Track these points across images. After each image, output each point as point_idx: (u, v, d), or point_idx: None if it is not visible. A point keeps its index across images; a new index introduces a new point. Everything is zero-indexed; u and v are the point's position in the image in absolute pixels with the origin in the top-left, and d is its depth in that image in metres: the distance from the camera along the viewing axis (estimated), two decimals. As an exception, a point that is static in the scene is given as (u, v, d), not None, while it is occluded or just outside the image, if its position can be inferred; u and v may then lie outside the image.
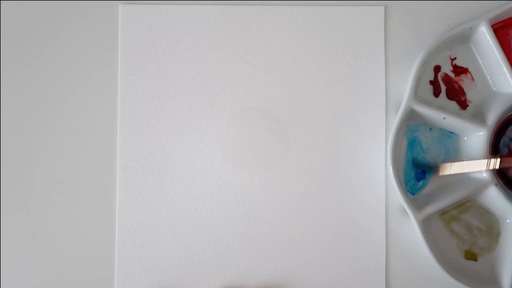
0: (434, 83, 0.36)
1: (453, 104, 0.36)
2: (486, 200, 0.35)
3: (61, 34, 0.36)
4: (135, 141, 0.35)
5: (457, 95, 0.36)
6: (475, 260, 0.35)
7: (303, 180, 0.35)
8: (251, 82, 0.36)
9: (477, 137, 0.34)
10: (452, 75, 0.36)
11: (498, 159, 0.34)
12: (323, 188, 0.35)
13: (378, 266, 0.35)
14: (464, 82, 0.36)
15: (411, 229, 0.34)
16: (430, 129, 0.36)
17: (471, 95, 0.36)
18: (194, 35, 0.36)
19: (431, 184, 0.36)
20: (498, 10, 0.34)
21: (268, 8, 0.36)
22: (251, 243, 0.35)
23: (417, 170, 0.36)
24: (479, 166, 0.34)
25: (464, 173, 0.35)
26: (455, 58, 0.36)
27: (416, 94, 0.34)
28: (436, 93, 0.36)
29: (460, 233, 0.35)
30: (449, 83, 0.36)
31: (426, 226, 0.34)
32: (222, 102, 0.36)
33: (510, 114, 0.35)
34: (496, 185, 0.33)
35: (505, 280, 0.34)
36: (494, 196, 0.34)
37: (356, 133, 0.36)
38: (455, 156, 0.36)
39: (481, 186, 0.33)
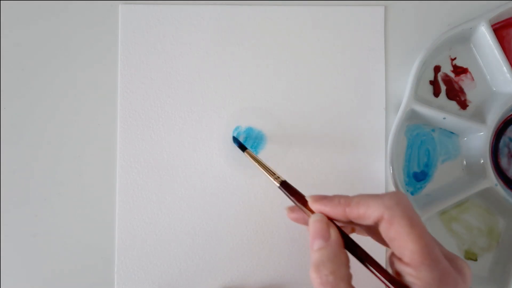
0: (434, 83, 0.36)
1: (453, 104, 0.36)
2: (486, 200, 0.35)
3: (61, 34, 0.36)
4: (135, 141, 0.35)
5: (457, 95, 0.36)
6: (475, 260, 0.35)
7: (303, 180, 0.35)
8: (251, 82, 0.36)
9: (477, 137, 0.34)
10: (452, 75, 0.36)
11: None
12: (323, 188, 0.35)
13: (378, 266, 0.35)
14: (464, 82, 0.36)
15: (411, 229, 0.34)
16: (433, 130, 0.36)
17: (471, 95, 0.36)
18: (194, 35, 0.36)
19: (431, 184, 0.36)
20: (498, 10, 0.34)
21: (268, 8, 0.36)
22: (251, 243, 0.35)
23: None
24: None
25: (463, 173, 0.35)
26: (455, 58, 0.36)
27: (416, 94, 0.34)
28: (436, 93, 0.36)
29: (460, 233, 0.35)
30: (449, 83, 0.36)
31: (426, 226, 0.34)
32: (222, 102, 0.36)
33: (510, 114, 0.35)
34: (496, 185, 0.33)
35: (506, 280, 0.34)
36: (494, 196, 0.34)
37: (356, 133, 0.36)
38: (455, 156, 0.36)
39: (481, 186, 0.33)
